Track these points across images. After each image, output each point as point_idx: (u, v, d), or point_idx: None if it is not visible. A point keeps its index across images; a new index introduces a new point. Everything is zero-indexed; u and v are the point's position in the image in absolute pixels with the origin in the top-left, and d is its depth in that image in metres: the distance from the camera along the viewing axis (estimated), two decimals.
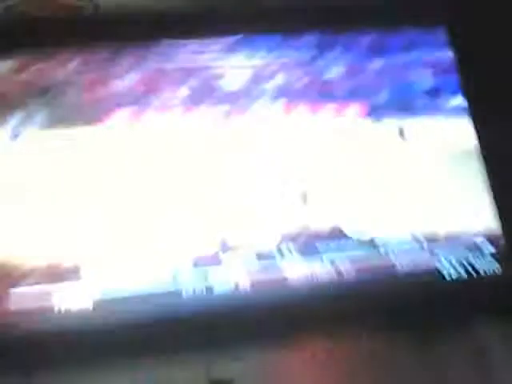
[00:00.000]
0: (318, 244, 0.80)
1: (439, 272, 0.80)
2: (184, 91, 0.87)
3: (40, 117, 0.82)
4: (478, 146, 0.87)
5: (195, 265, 0.77)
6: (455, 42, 0.92)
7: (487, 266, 0.81)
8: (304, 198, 0.83)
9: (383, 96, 0.90)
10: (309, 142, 0.87)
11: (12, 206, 0.77)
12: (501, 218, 0.83)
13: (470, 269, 0.80)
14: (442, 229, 0.82)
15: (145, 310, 0.74)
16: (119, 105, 0.84)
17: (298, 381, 0.73)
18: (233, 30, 0.91)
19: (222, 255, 0.78)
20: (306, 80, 0.90)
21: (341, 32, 0.93)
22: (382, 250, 0.80)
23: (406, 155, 0.87)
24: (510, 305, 0.76)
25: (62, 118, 0.82)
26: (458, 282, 0.80)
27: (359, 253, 0.80)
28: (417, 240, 0.81)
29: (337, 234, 0.80)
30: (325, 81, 0.90)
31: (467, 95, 0.90)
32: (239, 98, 0.87)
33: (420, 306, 0.76)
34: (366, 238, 0.81)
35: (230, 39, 0.90)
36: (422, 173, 0.86)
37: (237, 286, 0.76)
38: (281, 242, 0.79)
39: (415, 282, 0.79)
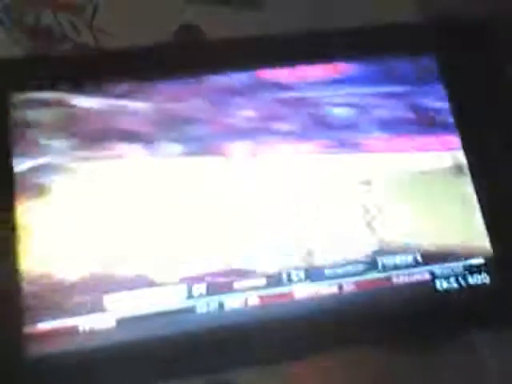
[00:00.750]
0: (326, 270, 0.84)
1: (433, 284, 0.84)
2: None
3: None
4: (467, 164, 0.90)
5: (208, 293, 0.81)
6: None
7: (478, 278, 0.85)
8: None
9: None
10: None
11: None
12: (489, 231, 0.87)
13: (462, 282, 0.85)
14: (436, 244, 0.86)
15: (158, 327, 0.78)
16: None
17: None
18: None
19: (235, 283, 0.81)
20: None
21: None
22: (381, 266, 0.84)
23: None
24: (502, 316, 0.81)
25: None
26: (451, 293, 0.84)
27: (362, 272, 0.84)
28: (413, 255, 0.85)
29: (344, 259, 0.84)
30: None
31: (456, 119, 0.92)
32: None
33: (415, 319, 0.81)
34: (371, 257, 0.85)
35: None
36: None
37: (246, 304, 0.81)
38: (290, 269, 0.83)
39: (410, 294, 0.83)
